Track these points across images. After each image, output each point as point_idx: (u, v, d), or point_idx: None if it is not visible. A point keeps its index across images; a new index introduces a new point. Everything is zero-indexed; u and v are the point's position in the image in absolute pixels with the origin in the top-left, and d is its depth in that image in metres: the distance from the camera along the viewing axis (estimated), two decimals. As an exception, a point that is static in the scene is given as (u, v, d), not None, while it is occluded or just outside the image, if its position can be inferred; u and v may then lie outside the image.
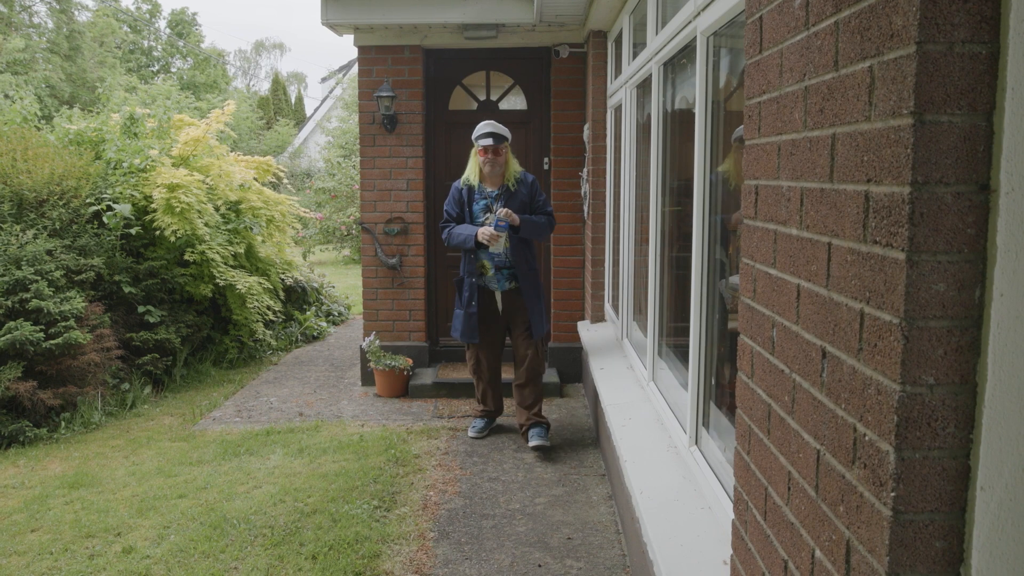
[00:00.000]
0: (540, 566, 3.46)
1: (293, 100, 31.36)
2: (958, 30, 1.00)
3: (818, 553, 1.33)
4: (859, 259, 1.17)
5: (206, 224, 6.72)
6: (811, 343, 1.36)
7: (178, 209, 6.44)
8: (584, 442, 5.09)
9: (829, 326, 1.28)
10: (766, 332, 1.61)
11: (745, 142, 1.76)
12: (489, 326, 5.06)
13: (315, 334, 8.60)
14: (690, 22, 3.04)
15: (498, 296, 5.00)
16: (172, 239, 6.44)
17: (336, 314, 9.49)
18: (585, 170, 6.23)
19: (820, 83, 1.32)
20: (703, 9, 2.83)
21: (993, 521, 1.05)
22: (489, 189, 4.94)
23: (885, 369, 1.09)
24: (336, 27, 6.23)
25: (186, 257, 6.67)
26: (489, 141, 4.84)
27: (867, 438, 1.14)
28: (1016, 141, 0.99)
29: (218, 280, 6.78)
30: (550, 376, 6.26)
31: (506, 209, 4.78)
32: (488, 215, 4.90)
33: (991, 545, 1.05)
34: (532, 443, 4.86)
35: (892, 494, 1.07)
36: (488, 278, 4.96)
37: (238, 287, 6.88)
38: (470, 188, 4.97)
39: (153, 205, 6.51)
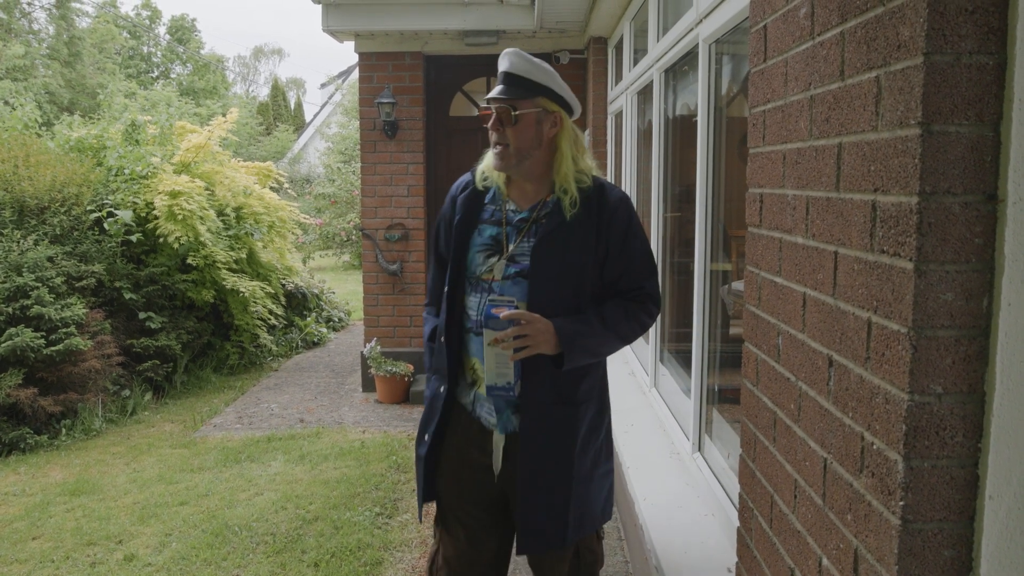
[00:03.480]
0: (543, 573, 3.46)
1: (292, 106, 31.41)
2: (965, 41, 1.01)
3: (825, 561, 1.33)
4: (866, 268, 1.18)
5: (208, 230, 6.73)
6: (818, 351, 1.36)
7: (180, 216, 6.45)
8: (585, 448, 5.09)
9: (836, 335, 1.29)
10: (771, 340, 1.61)
11: (749, 150, 1.77)
12: (476, 498, 2.25)
13: (315, 340, 8.60)
14: (692, 29, 3.05)
15: (496, 442, 2.18)
16: (175, 246, 6.45)
17: (336, 320, 9.49)
18: (586, 176, 6.23)
19: (826, 92, 1.32)
20: (705, 16, 2.84)
21: (1002, 530, 1.05)
22: (512, 207, 2.19)
23: (893, 378, 1.10)
24: (337, 34, 6.24)
25: (189, 261, 6.67)
26: (494, 92, 2.12)
27: (875, 447, 1.15)
28: (1023, 151, 1.00)
29: (224, 283, 6.79)
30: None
31: (517, 312, 2.00)
32: (492, 261, 2.15)
33: (1000, 554, 1.05)
34: None
35: (901, 503, 1.07)
36: (478, 397, 2.19)
37: (243, 291, 6.89)
38: (478, 193, 2.23)
39: (155, 212, 6.51)
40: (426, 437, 2.25)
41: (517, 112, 2.08)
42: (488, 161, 2.22)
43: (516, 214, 2.17)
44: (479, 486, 2.22)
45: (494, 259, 2.13)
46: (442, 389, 2.20)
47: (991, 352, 1.04)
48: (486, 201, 2.22)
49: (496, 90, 2.11)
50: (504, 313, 1.97)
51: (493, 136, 2.12)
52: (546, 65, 2.12)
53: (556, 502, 2.12)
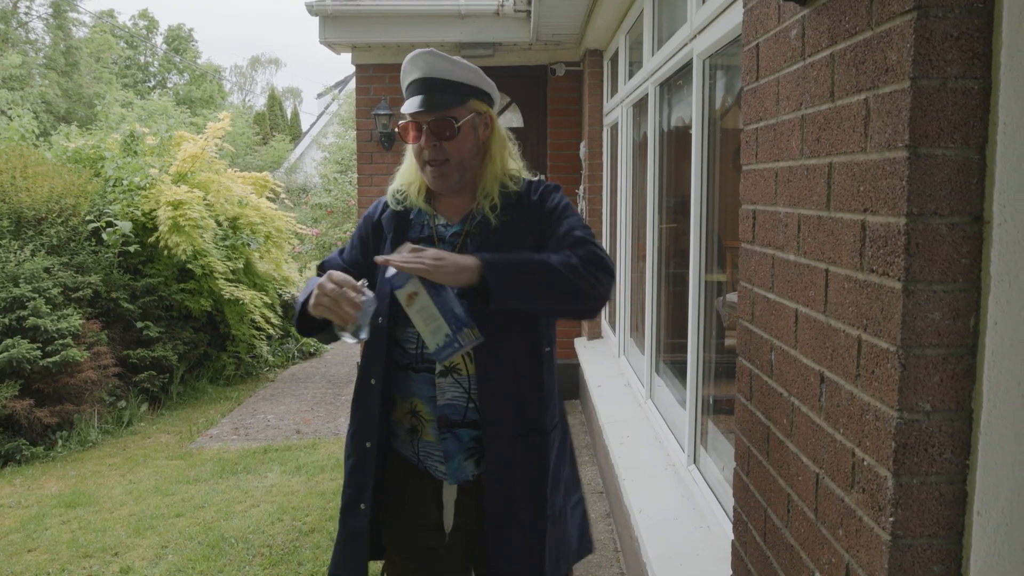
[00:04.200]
0: (539, 585, 3.46)
1: (289, 116, 31.45)
2: (951, 66, 1.03)
3: (818, 575, 1.34)
4: (856, 287, 1.20)
5: (208, 239, 6.75)
6: (809, 367, 1.38)
7: (186, 227, 6.47)
8: (581, 459, 5.10)
9: (827, 351, 1.30)
10: (764, 355, 1.63)
11: (742, 167, 1.79)
12: (433, 570, 1.95)
13: (312, 350, 8.60)
14: (686, 44, 3.08)
15: (447, 494, 1.90)
16: (183, 256, 6.47)
17: (333, 330, 9.49)
18: (581, 187, 6.26)
19: (817, 113, 1.35)
20: (699, 32, 2.87)
21: (990, 546, 1.07)
22: (442, 221, 1.93)
23: (883, 395, 1.11)
24: (334, 46, 6.28)
25: (190, 267, 6.69)
26: (416, 104, 1.82)
27: (865, 463, 1.16)
28: (1008, 174, 1.02)
29: (222, 293, 6.80)
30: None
31: (411, 248, 1.66)
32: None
33: (988, 569, 1.07)
34: None
35: (891, 519, 1.09)
36: (426, 446, 1.88)
37: (242, 299, 6.90)
38: (400, 215, 1.95)
39: (156, 222, 6.53)
40: (362, 505, 1.85)
41: (459, 124, 1.81)
42: (402, 180, 1.95)
43: (448, 228, 1.91)
44: (435, 555, 1.91)
45: None
46: (368, 444, 1.85)
47: (978, 370, 1.06)
48: (411, 218, 1.94)
49: (418, 100, 1.80)
50: (396, 260, 1.62)
51: (427, 153, 1.82)
52: (466, 61, 1.87)
53: (531, 548, 1.86)
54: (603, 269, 1.73)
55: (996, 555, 1.06)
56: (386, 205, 1.98)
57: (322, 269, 1.97)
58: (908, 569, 1.09)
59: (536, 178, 1.96)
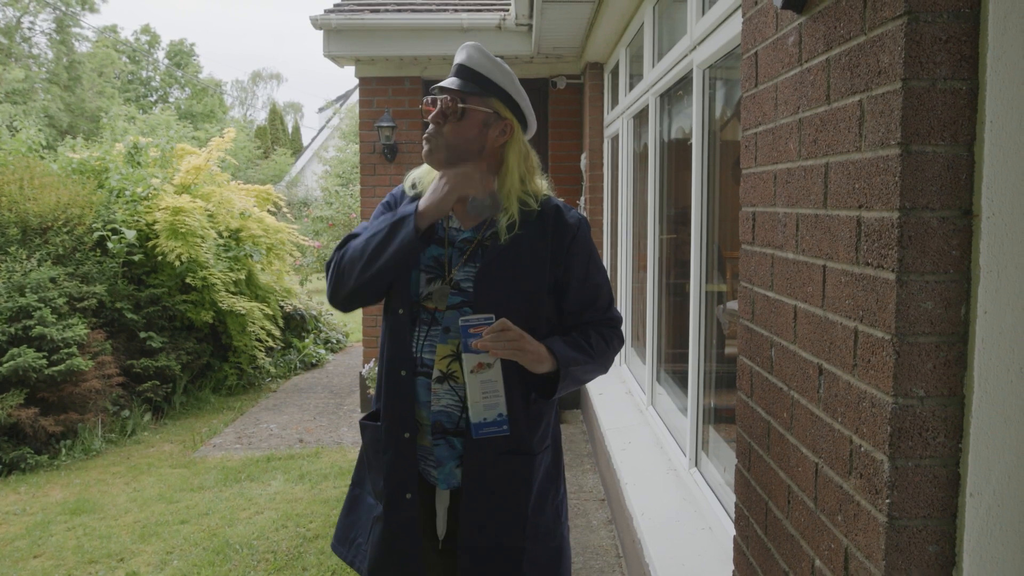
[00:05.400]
0: (542, 589, 3.48)
1: (290, 130, 31.61)
2: (940, 68, 1.09)
3: (818, 562, 1.38)
4: (852, 280, 1.25)
5: (208, 250, 6.79)
6: (808, 361, 1.43)
7: (183, 231, 6.51)
8: (583, 468, 5.13)
9: (825, 344, 1.35)
10: (765, 352, 1.68)
11: (742, 171, 1.84)
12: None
13: (313, 361, 8.63)
14: (686, 55, 3.14)
15: (439, 499, 1.93)
16: (176, 263, 6.51)
17: (334, 341, 9.53)
18: (582, 199, 6.33)
19: (813, 115, 1.40)
20: (699, 43, 2.93)
21: (983, 526, 1.11)
22: (455, 224, 1.92)
23: (878, 383, 1.16)
24: (338, 59, 6.36)
25: (188, 281, 6.73)
26: (446, 81, 1.89)
27: (863, 449, 1.21)
28: (995, 169, 1.07)
29: (221, 305, 6.84)
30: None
31: (501, 322, 1.74)
32: (434, 286, 1.87)
33: (981, 549, 1.11)
34: None
35: (887, 501, 1.13)
36: (419, 449, 1.90)
37: (240, 310, 6.94)
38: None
39: (156, 227, 6.57)
40: (408, 495, 1.86)
41: (464, 106, 1.83)
42: (422, 170, 1.95)
43: (459, 233, 1.89)
44: (427, 560, 1.92)
45: (436, 284, 1.85)
46: (407, 435, 1.85)
47: (969, 357, 1.11)
48: None
49: (445, 81, 1.87)
50: (486, 331, 1.72)
51: (429, 129, 1.87)
52: (507, 67, 1.90)
53: (509, 567, 1.86)
54: (621, 342, 1.98)
55: (988, 535, 1.11)
56: (410, 191, 1.97)
57: (351, 239, 1.93)
58: (904, 549, 1.14)
59: (559, 200, 1.97)
